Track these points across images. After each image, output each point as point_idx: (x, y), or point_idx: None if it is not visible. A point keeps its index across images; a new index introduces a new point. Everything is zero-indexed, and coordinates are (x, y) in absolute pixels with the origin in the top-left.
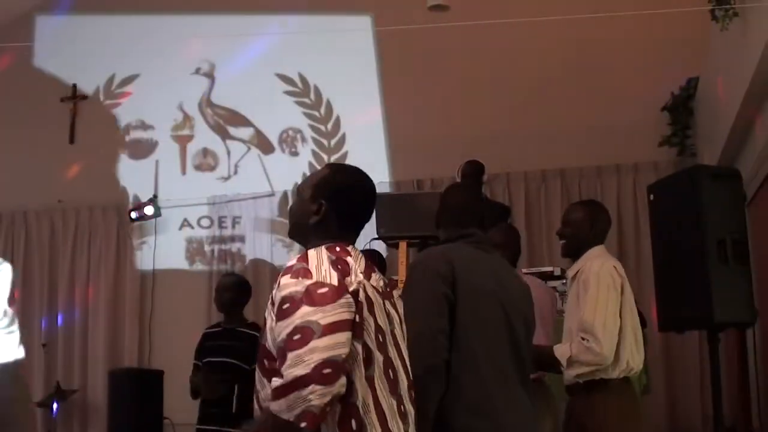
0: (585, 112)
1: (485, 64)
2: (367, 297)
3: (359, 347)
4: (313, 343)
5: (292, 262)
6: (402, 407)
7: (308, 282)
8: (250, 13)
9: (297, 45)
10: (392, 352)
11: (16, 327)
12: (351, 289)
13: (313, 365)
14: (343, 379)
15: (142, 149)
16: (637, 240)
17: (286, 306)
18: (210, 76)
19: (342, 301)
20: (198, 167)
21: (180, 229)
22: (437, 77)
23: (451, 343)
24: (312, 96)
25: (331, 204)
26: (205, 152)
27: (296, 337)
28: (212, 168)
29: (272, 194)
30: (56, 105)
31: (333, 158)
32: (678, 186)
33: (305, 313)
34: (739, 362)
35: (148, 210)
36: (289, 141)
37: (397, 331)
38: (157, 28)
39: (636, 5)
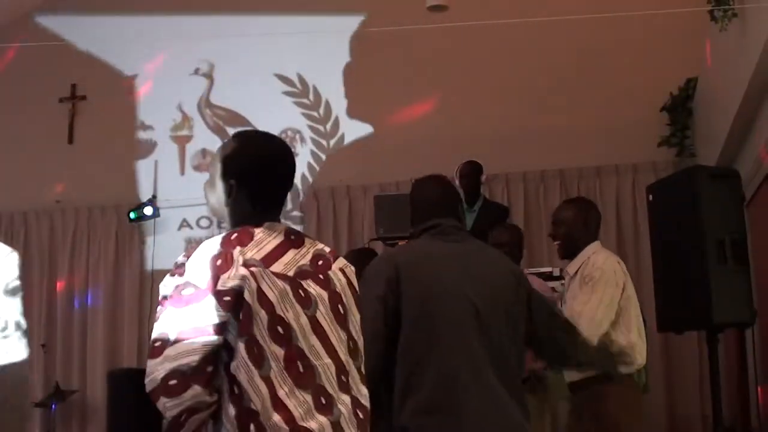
0: (584, 113)
1: (484, 65)
2: (259, 289)
3: (242, 346)
4: (166, 352)
5: (180, 255)
6: (322, 399)
7: (178, 281)
8: (249, 14)
9: (296, 45)
10: (305, 342)
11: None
12: (228, 286)
13: (161, 377)
14: (194, 390)
15: (141, 150)
16: (636, 240)
17: (159, 307)
18: (209, 76)
19: (202, 305)
20: (197, 168)
21: (179, 229)
22: (436, 78)
23: (397, 343)
24: (311, 96)
25: (240, 182)
26: (204, 153)
27: (156, 344)
28: None
29: None
30: (55, 105)
31: (332, 158)
32: (677, 186)
33: (167, 317)
34: (738, 362)
35: (147, 210)
36: (288, 141)
37: (322, 313)
38: (156, 29)
39: (635, 6)
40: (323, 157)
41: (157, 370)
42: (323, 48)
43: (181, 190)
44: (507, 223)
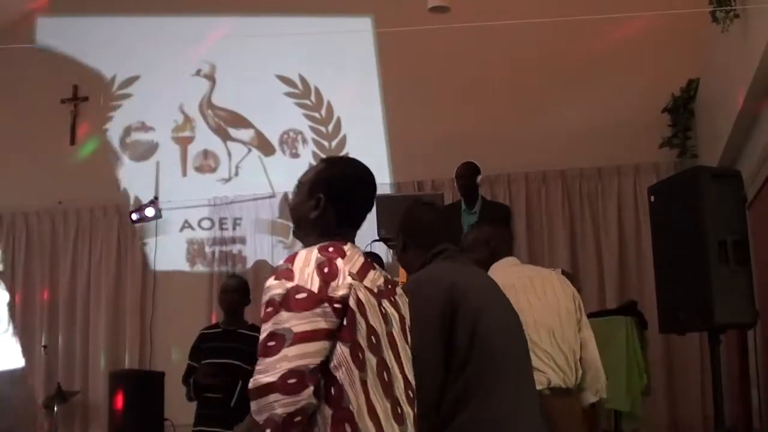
0: (586, 114)
1: (486, 66)
2: (358, 300)
3: (347, 351)
4: (283, 352)
5: (280, 262)
6: (398, 409)
7: (289, 285)
8: (251, 15)
9: (297, 46)
10: (387, 354)
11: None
12: (338, 294)
13: (279, 374)
14: (309, 390)
15: (143, 151)
16: (638, 241)
17: (268, 309)
18: (211, 77)
19: (318, 309)
20: (199, 169)
21: (181, 230)
22: (438, 78)
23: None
24: (313, 98)
25: (329, 197)
26: (206, 154)
27: (270, 343)
28: (213, 169)
29: (273, 196)
30: (57, 106)
31: None
32: (679, 187)
33: (281, 319)
34: (740, 363)
35: (149, 211)
36: (290, 142)
37: (396, 332)
38: (157, 30)
39: (637, 7)
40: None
41: (274, 367)
42: (325, 49)
43: (183, 191)
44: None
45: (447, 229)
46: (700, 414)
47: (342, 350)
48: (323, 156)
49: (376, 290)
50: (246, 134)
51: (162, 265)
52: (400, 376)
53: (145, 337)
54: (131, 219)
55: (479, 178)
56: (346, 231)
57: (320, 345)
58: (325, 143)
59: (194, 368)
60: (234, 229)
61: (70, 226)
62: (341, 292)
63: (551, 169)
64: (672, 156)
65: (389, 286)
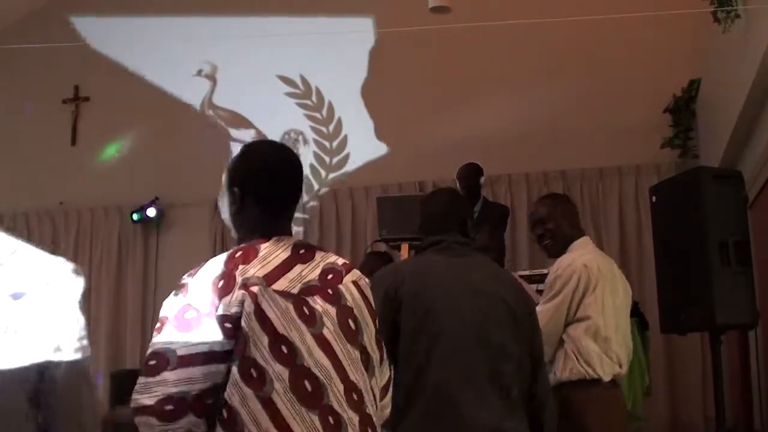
0: (587, 114)
1: (487, 66)
2: (259, 310)
3: (235, 370)
4: (164, 375)
5: (190, 271)
6: (330, 418)
7: (181, 302)
8: (252, 15)
9: (299, 47)
10: (311, 360)
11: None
12: (230, 312)
13: (157, 398)
14: (188, 418)
15: (145, 151)
16: (639, 242)
17: (157, 325)
18: (212, 77)
19: (205, 331)
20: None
21: (182, 231)
22: (439, 79)
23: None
24: (314, 98)
25: (243, 189)
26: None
27: (151, 362)
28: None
29: None
30: (58, 106)
31: (335, 160)
32: (680, 188)
33: (166, 338)
34: (741, 364)
35: (150, 212)
36: (291, 143)
37: (330, 331)
38: (159, 30)
39: (638, 7)
40: (326, 158)
41: (151, 390)
42: (326, 49)
43: (185, 192)
44: (485, 227)
45: (451, 218)
46: (701, 414)
47: (232, 370)
48: (324, 156)
49: (297, 289)
50: (247, 134)
51: (163, 265)
52: (337, 380)
53: (147, 338)
54: (132, 219)
55: (482, 179)
56: (271, 223)
57: (204, 369)
58: (326, 143)
59: None
60: None
61: (71, 227)
62: (232, 310)
63: (552, 170)
64: (673, 156)
65: (329, 276)
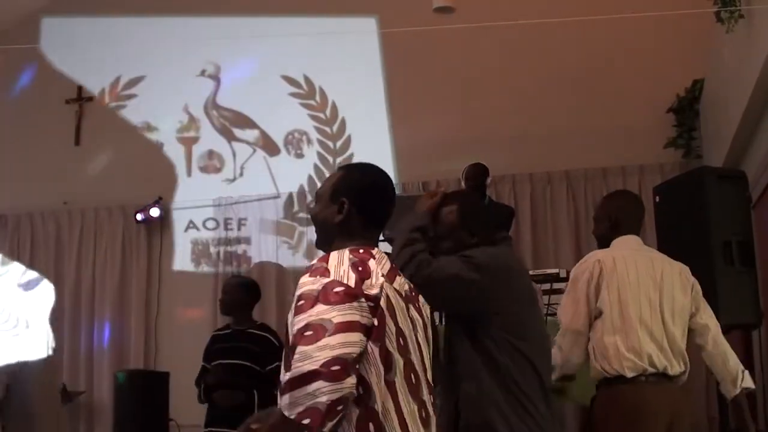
0: (590, 114)
1: (490, 66)
2: (389, 301)
3: (377, 350)
4: (324, 341)
5: (314, 261)
6: (423, 412)
7: (325, 280)
8: (256, 15)
9: (302, 47)
10: (414, 356)
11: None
12: (372, 292)
13: (322, 361)
14: (352, 379)
15: (148, 151)
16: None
17: (301, 303)
18: (215, 78)
19: (356, 304)
20: (203, 169)
21: (186, 231)
22: (443, 79)
23: None
24: (317, 98)
25: (352, 202)
26: (211, 154)
27: (308, 333)
28: (218, 170)
29: (278, 196)
30: (62, 107)
31: (338, 160)
32: (684, 188)
33: (319, 311)
34: (745, 364)
35: (154, 212)
36: (295, 143)
37: (420, 336)
38: (162, 30)
39: (642, 7)
40: (330, 158)
41: (313, 356)
42: (330, 49)
43: (188, 192)
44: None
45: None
46: (705, 415)
47: (372, 349)
48: (328, 156)
49: (403, 294)
50: (251, 134)
51: (167, 265)
52: (424, 381)
53: (150, 337)
54: (136, 219)
55: (488, 179)
56: (370, 234)
57: (359, 336)
58: (330, 143)
59: (207, 370)
60: (239, 229)
61: (75, 227)
62: (374, 291)
63: (556, 170)
64: (677, 156)
65: (413, 293)
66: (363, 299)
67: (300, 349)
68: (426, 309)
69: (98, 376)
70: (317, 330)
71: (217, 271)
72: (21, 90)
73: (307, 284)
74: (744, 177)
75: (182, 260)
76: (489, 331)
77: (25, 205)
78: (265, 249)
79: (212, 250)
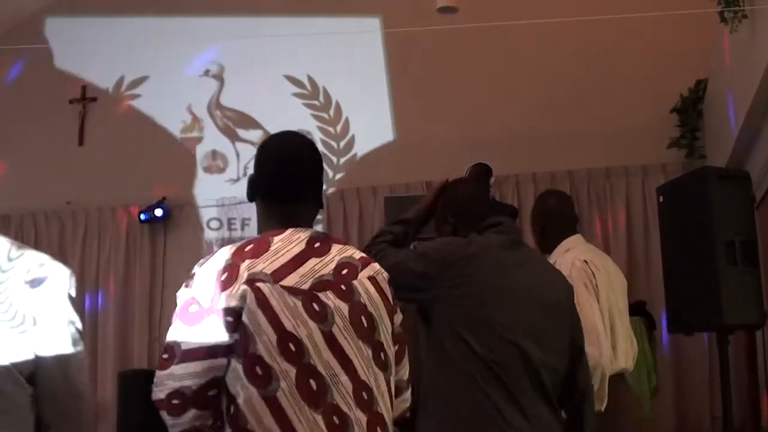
0: (593, 114)
1: (494, 66)
2: (265, 306)
3: (240, 367)
4: (170, 369)
5: (198, 262)
6: (335, 418)
7: (187, 294)
8: (259, 15)
9: (306, 47)
10: (317, 358)
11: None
12: (230, 305)
13: (166, 392)
14: (190, 414)
15: (151, 151)
16: (646, 242)
17: (172, 318)
18: (219, 78)
19: (206, 325)
20: (207, 169)
21: (189, 231)
22: (446, 79)
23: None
24: (321, 98)
25: (258, 179)
26: (215, 154)
27: (164, 355)
28: (221, 170)
29: None
30: (65, 106)
31: (342, 160)
32: (687, 188)
33: (173, 330)
34: (749, 364)
35: (158, 212)
36: None
37: (340, 327)
38: (166, 30)
39: (645, 7)
40: (333, 158)
41: (162, 384)
42: (334, 49)
43: (191, 192)
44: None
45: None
46: (709, 414)
47: (235, 366)
48: (331, 156)
49: (309, 285)
50: (254, 135)
51: (171, 265)
52: (345, 378)
53: (154, 337)
54: (140, 219)
55: (491, 179)
56: (284, 214)
57: (206, 364)
58: (334, 143)
59: None
60: (242, 229)
61: (78, 227)
62: (233, 304)
63: (559, 170)
64: (680, 156)
65: (344, 271)
66: (217, 317)
67: (157, 372)
68: (367, 286)
69: (102, 376)
70: (170, 354)
71: None
72: (13, 81)
73: (179, 294)
74: (747, 177)
75: (186, 261)
76: (440, 323)
77: (28, 204)
78: None
79: (216, 250)
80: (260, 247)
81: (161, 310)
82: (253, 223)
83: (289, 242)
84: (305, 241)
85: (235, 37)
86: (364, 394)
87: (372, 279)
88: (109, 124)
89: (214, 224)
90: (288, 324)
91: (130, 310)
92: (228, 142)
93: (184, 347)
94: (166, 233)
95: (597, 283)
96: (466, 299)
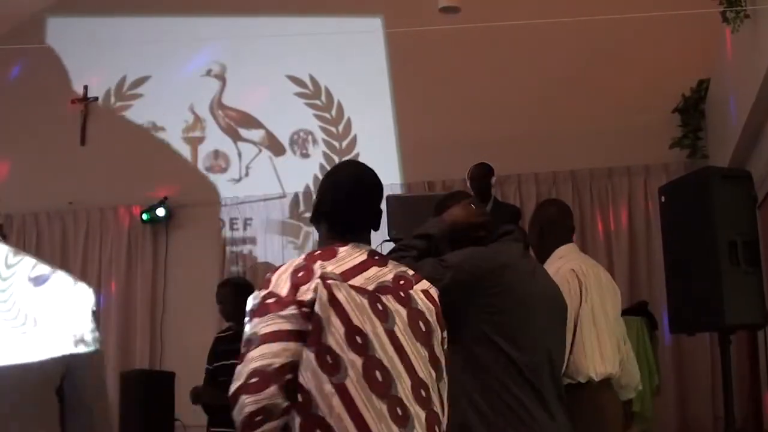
0: (596, 114)
1: (496, 66)
2: (335, 300)
3: (312, 356)
4: (249, 355)
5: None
6: (398, 409)
7: (263, 293)
8: (261, 15)
9: (308, 47)
10: (381, 353)
11: None
12: (306, 298)
13: (245, 376)
14: (271, 389)
15: (154, 151)
16: (648, 242)
17: (246, 319)
18: (221, 77)
19: (283, 312)
20: (209, 169)
21: (191, 230)
22: (448, 79)
23: None
24: (323, 98)
25: (319, 203)
26: (217, 154)
27: (243, 350)
28: (223, 170)
29: (283, 196)
30: (67, 106)
31: (344, 160)
32: (689, 188)
33: (252, 325)
34: (751, 364)
35: (160, 212)
36: (300, 143)
37: (401, 328)
38: (168, 30)
39: (647, 7)
40: (335, 158)
41: (241, 372)
42: (336, 49)
43: (194, 192)
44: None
45: None
46: (711, 414)
47: (307, 355)
48: (333, 156)
49: (373, 287)
50: (256, 134)
51: (173, 265)
52: (405, 375)
53: (156, 337)
54: (142, 219)
55: (493, 179)
56: (343, 234)
57: (283, 345)
58: (336, 143)
59: (212, 372)
60: (244, 229)
61: (80, 227)
62: (308, 297)
63: (561, 170)
64: (682, 156)
65: (401, 281)
66: (294, 306)
67: (237, 368)
68: (420, 297)
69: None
70: (248, 346)
71: (223, 271)
72: (15, 81)
73: (252, 298)
74: (749, 177)
75: (188, 260)
76: (470, 330)
77: (30, 205)
78: (271, 249)
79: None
80: (329, 254)
81: (163, 310)
82: (255, 223)
83: (352, 252)
84: (366, 253)
85: (237, 37)
86: (422, 391)
87: (425, 292)
88: (111, 124)
89: (216, 224)
90: (355, 319)
91: (132, 310)
92: (230, 141)
93: (261, 332)
94: (168, 233)
95: (587, 286)
96: (503, 306)
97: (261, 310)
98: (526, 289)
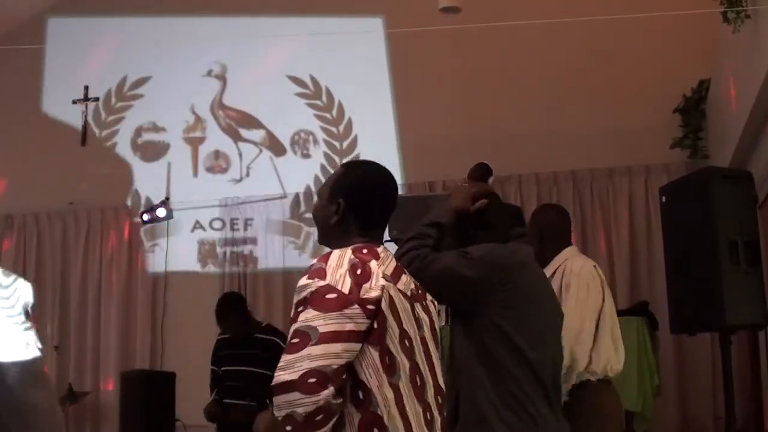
0: (596, 114)
1: (497, 66)
2: (392, 302)
3: (376, 354)
4: (307, 350)
5: (313, 260)
6: (428, 414)
7: (320, 284)
8: (262, 15)
9: (308, 47)
10: (419, 358)
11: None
12: (372, 296)
13: (300, 372)
14: (329, 391)
15: (154, 151)
16: (648, 242)
17: (299, 309)
18: (222, 78)
19: (347, 311)
20: (210, 169)
21: (192, 231)
22: (449, 79)
23: None
24: (324, 98)
25: (348, 201)
26: (217, 154)
27: (294, 340)
28: (224, 170)
29: (284, 196)
30: (68, 107)
31: (344, 160)
32: (690, 188)
33: (308, 317)
34: (751, 364)
35: (160, 212)
36: (301, 143)
37: (427, 336)
38: (168, 31)
39: (648, 7)
40: (336, 158)
41: (294, 366)
42: (336, 49)
43: (194, 192)
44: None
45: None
46: (711, 415)
47: (371, 353)
48: (334, 156)
49: (408, 293)
50: (257, 135)
51: (173, 265)
52: (431, 381)
53: (156, 337)
54: (142, 220)
55: (491, 179)
56: (371, 232)
57: (345, 346)
58: (336, 144)
59: (217, 373)
60: (245, 229)
61: (81, 227)
62: (374, 294)
63: (562, 170)
64: (683, 156)
65: (419, 291)
66: (357, 305)
67: (284, 357)
68: (433, 306)
69: (104, 376)
70: (303, 338)
71: (223, 272)
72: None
73: (304, 287)
74: (750, 177)
75: (188, 260)
76: (484, 323)
77: (31, 205)
78: (272, 249)
79: (218, 250)
80: (374, 253)
81: (164, 311)
82: (256, 223)
83: (387, 255)
84: (392, 258)
85: (237, 37)
86: (439, 398)
87: (432, 303)
88: (112, 125)
89: (217, 224)
90: (405, 322)
91: (132, 311)
92: (231, 142)
93: (322, 330)
94: (168, 234)
95: (603, 283)
96: (517, 303)
97: (319, 304)
98: (537, 290)
